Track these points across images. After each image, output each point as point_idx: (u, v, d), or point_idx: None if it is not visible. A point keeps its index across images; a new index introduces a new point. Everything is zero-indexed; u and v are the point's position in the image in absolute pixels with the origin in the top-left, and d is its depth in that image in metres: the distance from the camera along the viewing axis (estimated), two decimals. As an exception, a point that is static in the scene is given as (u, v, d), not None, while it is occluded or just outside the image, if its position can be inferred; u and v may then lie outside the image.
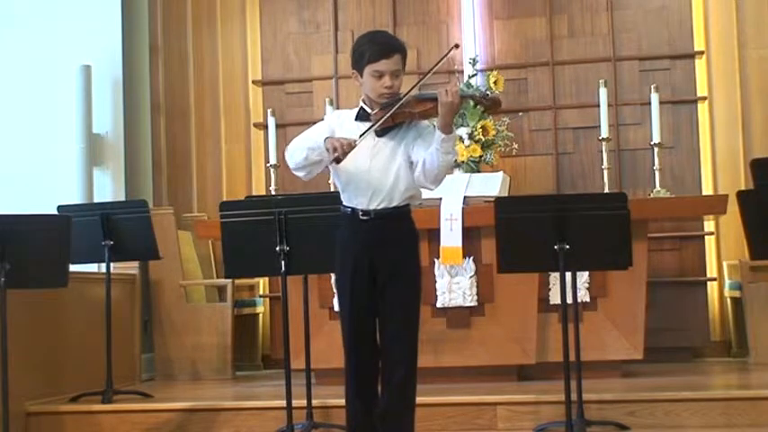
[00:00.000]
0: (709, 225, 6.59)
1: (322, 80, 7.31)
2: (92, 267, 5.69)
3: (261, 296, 7.08)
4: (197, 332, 6.27)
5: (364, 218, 3.63)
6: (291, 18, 7.44)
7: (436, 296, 5.44)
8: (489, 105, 3.81)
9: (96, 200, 6.32)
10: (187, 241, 6.58)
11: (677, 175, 6.82)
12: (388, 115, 3.57)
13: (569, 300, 4.31)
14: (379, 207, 3.63)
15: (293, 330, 4.40)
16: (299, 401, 4.47)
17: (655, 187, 5.93)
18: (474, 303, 5.44)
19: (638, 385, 5.02)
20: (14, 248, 4.15)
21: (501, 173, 5.85)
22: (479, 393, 4.82)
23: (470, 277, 5.43)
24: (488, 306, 5.46)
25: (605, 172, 6.00)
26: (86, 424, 4.95)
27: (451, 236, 5.35)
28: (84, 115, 6.47)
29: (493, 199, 4.54)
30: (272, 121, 6.53)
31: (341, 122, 3.72)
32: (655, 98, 5.99)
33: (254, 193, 7.00)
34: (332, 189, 4.09)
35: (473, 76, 6.39)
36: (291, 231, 4.22)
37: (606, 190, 5.98)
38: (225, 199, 6.78)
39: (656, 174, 5.99)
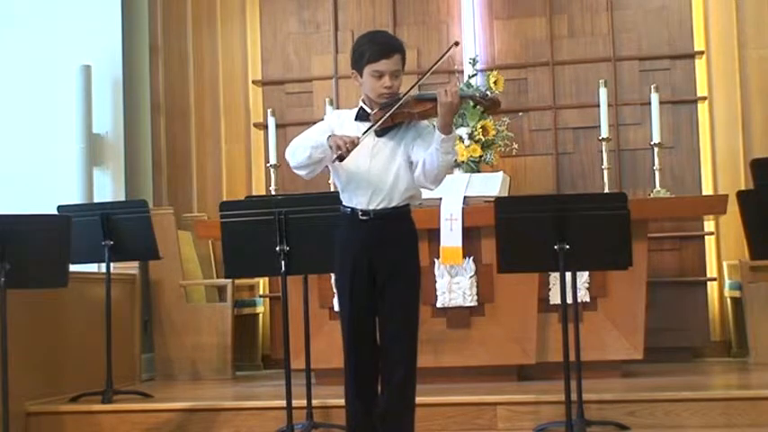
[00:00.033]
0: (709, 225, 6.59)
1: (322, 80, 7.31)
2: (92, 267, 5.70)
3: (261, 296, 7.08)
4: (197, 332, 6.27)
5: (364, 218, 3.63)
6: (291, 18, 7.44)
7: (436, 296, 5.44)
8: (489, 106, 3.81)
9: (96, 200, 6.32)
10: (187, 241, 6.58)
11: (677, 175, 6.82)
12: (387, 115, 3.57)
13: (569, 300, 4.31)
14: (378, 207, 3.63)
15: (293, 330, 4.40)
16: (299, 401, 4.47)
17: (655, 187, 5.93)
18: (474, 303, 5.44)
19: (638, 385, 5.02)
20: (14, 248, 4.15)
21: (501, 173, 5.85)
22: (479, 393, 4.82)
23: (470, 277, 5.43)
24: (488, 306, 5.46)
25: (605, 172, 6.00)
26: (86, 424, 4.95)
27: (451, 236, 5.35)
28: (84, 115, 6.47)
29: (493, 199, 4.54)
30: (272, 121, 6.53)
31: (340, 122, 3.73)
32: (655, 98, 5.99)
33: (254, 193, 7.00)
34: (332, 189, 4.09)
35: (473, 76, 6.39)
36: (291, 231, 4.22)
37: (606, 190, 5.98)
38: (225, 199, 6.78)
39: (656, 174, 5.99)
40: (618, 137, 6.81)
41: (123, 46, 6.67)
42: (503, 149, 6.29)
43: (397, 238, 3.67)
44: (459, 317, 5.46)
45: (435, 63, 3.72)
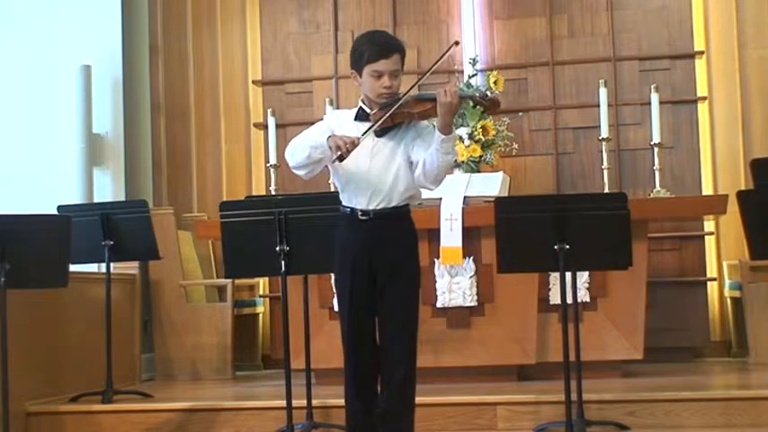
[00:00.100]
0: (709, 225, 6.59)
1: (322, 80, 7.31)
2: (92, 267, 5.70)
3: (261, 296, 7.08)
4: (197, 332, 6.27)
5: (363, 218, 3.63)
6: (291, 18, 7.44)
7: (436, 296, 5.44)
8: (488, 106, 3.81)
9: (96, 200, 6.32)
10: (187, 241, 6.58)
11: (677, 175, 6.82)
12: (387, 115, 3.57)
13: (569, 300, 4.31)
14: (378, 207, 3.63)
15: (293, 330, 4.40)
16: (299, 401, 4.47)
17: (655, 187, 5.93)
18: (474, 303, 5.44)
19: (638, 385, 5.02)
20: (14, 248, 4.15)
21: (501, 173, 5.85)
22: (479, 393, 4.82)
23: (470, 277, 5.43)
24: (488, 306, 5.46)
25: (605, 172, 6.00)
26: (86, 424, 4.95)
27: (451, 236, 5.35)
28: (84, 115, 6.47)
29: (493, 199, 4.54)
30: (272, 121, 6.53)
31: (340, 122, 3.72)
32: (655, 98, 5.99)
33: (254, 193, 7.00)
34: (332, 189, 4.09)
35: (473, 76, 6.39)
36: (291, 231, 4.22)
37: (606, 190, 5.98)
38: (225, 199, 6.78)
39: (656, 174, 5.99)
40: (618, 137, 6.81)
41: (123, 46, 6.67)
42: (503, 149, 6.29)
43: (396, 238, 3.67)
44: (459, 317, 5.46)
45: (435, 63, 3.72)
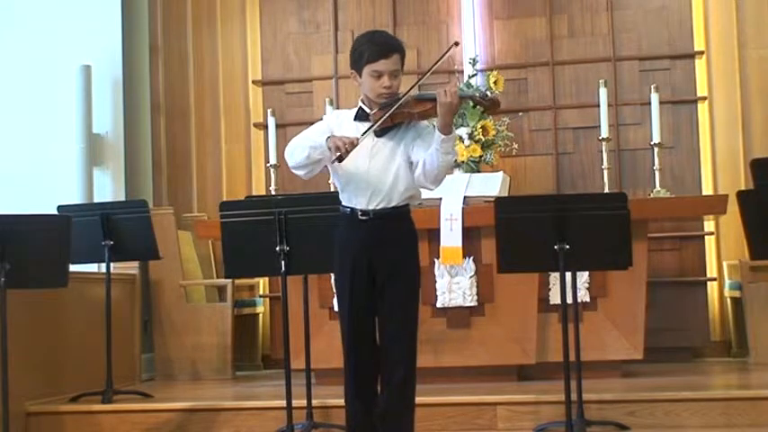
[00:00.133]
0: (709, 225, 6.59)
1: (322, 80, 7.31)
2: (92, 267, 5.70)
3: (261, 296, 7.08)
4: (197, 332, 6.27)
5: (363, 218, 3.63)
6: (291, 18, 7.44)
7: (436, 296, 5.44)
8: (488, 106, 3.81)
9: (96, 200, 6.32)
10: (187, 241, 6.58)
11: (677, 175, 6.82)
12: (387, 115, 3.57)
13: (569, 300, 4.31)
14: (378, 207, 3.63)
15: (293, 330, 4.40)
16: (299, 401, 4.47)
17: (655, 187, 5.93)
18: (474, 303, 5.44)
19: (638, 385, 5.02)
20: (14, 248, 4.15)
21: (501, 173, 5.85)
22: (479, 393, 4.82)
23: (470, 277, 5.43)
24: (488, 306, 5.46)
25: (605, 172, 6.00)
26: (86, 424, 4.95)
27: (451, 236, 5.35)
28: (84, 115, 6.47)
29: (493, 199, 4.54)
30: (272, 121, 6.53)
31: (339, 122, 3.72)
32: (655, 98, 5.99)
33: (254, 193, 7.01)
34: (332, 189, 4.09)
35: (473, 76, 6.39)
36: (291, 231, 4.22)
37: (606, 190, 5.98)
38: (225, 199, 6.78)
39: (656, 174, 5.99)
40: (618, 137, 6.81)
41: (123, 46, 6.67)
42: (503, 149, 6.29)
43: (396, 238, 3.67)
44: (459, 317, 5.46)
45: (435, 63, 3.72)
